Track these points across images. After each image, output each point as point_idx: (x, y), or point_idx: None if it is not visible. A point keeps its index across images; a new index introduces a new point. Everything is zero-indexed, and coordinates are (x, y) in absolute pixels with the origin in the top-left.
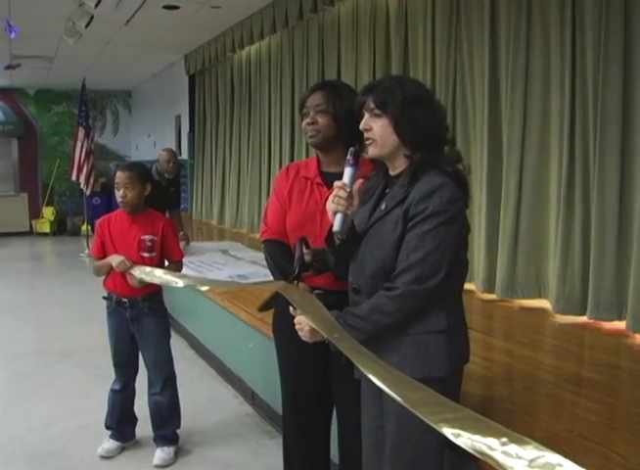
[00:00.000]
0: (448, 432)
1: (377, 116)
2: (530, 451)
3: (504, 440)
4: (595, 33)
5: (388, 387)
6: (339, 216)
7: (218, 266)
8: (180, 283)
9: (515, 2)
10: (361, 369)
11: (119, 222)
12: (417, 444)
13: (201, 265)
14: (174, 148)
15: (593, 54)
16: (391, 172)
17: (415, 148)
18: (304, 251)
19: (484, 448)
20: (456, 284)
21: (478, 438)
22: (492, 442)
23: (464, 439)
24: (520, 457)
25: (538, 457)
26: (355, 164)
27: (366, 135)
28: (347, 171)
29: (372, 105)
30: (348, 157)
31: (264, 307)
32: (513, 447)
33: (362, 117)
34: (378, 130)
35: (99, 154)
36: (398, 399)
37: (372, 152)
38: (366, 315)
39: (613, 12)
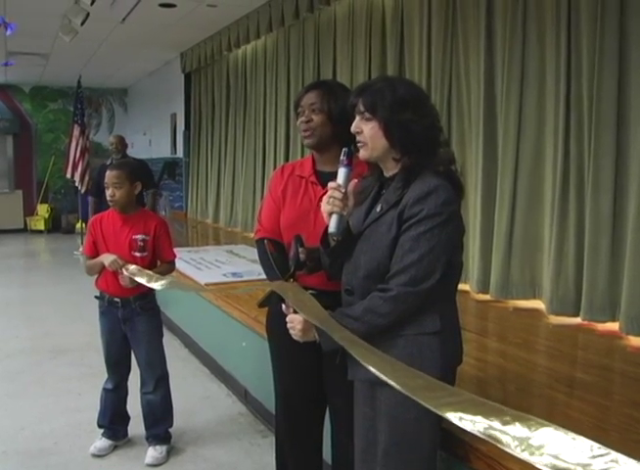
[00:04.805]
0: (451, 415)
1: (367, 119)
2: (534, 428)
3: (507, 418)
4: (590, 35)
5: (386, 376)
6: (334, 217)
7: (217, 264)
8: (165, 284)
9: (511, 2)
10: (359, 359)
11: (111, 221)
12: (409, 446)
13: (201, 262)
14: (170, 146)
15: (588, 55)
16: (386, 174)
17: (404, 152)
18: (299, 249)
19: (488, 429)
20: (450, 286)
21: (479, 418)
22: (495, 422)
23: (466, 421)
24: (523, 435)
25: (542, 433)
26: (349, 165)
27: (357, 138)
28: (341, 172)
29: (362, 108)
30: (342, 157)
31: (264, 303)
32: (516, 427)
33: (355, 118)
34: (368, 133)
35: (94, 152)
36: (398, 387)
37: (363, 154)
38: (359, 316)
39: (608, 14)
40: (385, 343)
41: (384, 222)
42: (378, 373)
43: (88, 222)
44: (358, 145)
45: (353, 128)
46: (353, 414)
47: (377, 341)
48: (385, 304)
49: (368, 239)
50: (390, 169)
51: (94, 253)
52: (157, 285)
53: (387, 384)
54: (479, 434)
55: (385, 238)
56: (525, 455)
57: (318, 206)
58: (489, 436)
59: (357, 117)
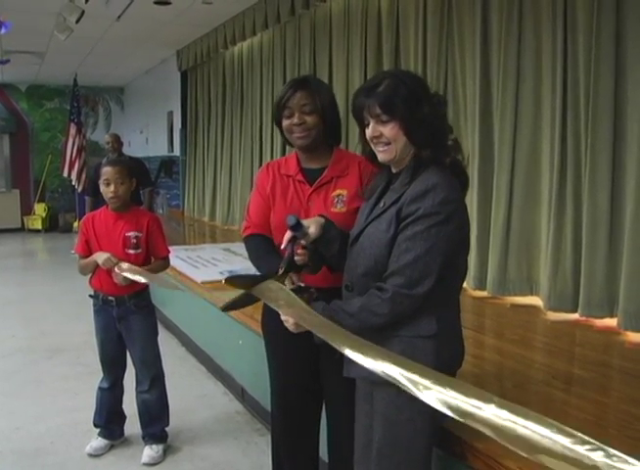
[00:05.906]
0: (432, 397)
1: (384, 121)
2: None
3: (492, 402)
4: (587, 31)
5: (370, 365)
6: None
7: (214, 262)
8: (159, 281)
9: None
10: (333, 345)
11: (104, 220)
12: (402, 447)
13: (197, 260)
14: (166, 145)
15: (584, 51)
16: (394, 170)
17: (424, 146)
18: (299, 251)
19: (472, 410)
20: (451, 288)
21: (462, 397)
22: (479, 403)
23: (449, 401)
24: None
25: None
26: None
27: (376, 142)
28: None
29: (378, 110)
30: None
31: (229, 307)
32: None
33: (361, 119)
34: (389, 134)
35: (91, 150)
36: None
37: (386, 157)
38: (355, 313)
39: (604, 10)
40: (379, 342)
41: (384, 219)
42: (353, 356)
43: (81, 222)
44: (378, 149)
45: (371, 134)
46: (351, 411)
47: (370, 339)
48: (382, 304)
49: (369, 236)
50: (402, 165)
51: (87, 252)
52: (150, 278)
53: (383, 383)
54: (456, 417)
55: (383, 236)
56: (505, 443)
57: (308, 204)
58: (471, 416)
59: (372, 122)
